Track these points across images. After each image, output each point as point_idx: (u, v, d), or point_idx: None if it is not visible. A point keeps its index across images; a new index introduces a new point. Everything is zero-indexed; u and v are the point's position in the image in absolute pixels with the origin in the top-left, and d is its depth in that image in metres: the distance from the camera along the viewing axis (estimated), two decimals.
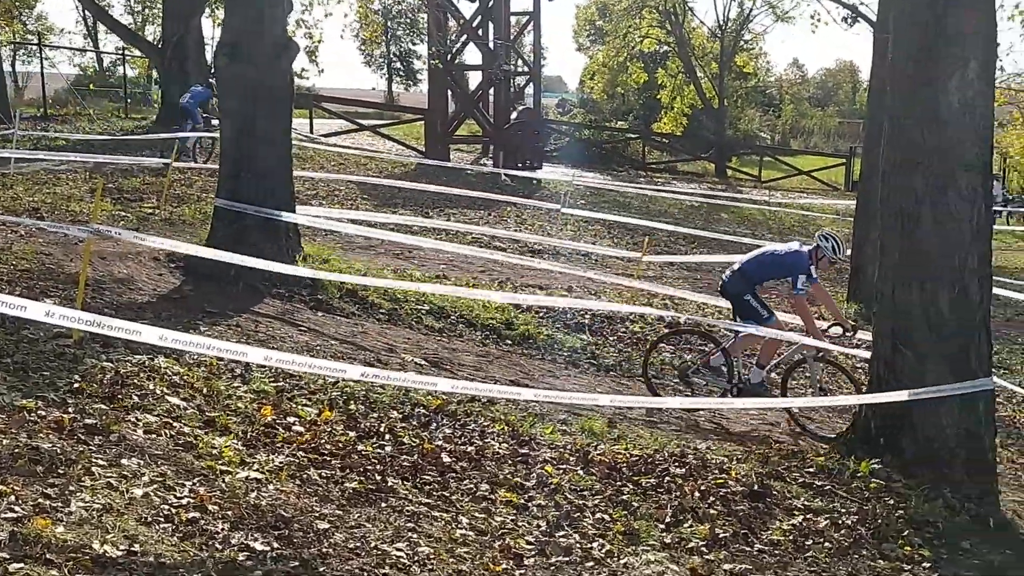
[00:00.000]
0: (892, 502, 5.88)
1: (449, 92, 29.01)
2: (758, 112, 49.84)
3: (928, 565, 5.35)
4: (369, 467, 5.28)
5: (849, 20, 21.30)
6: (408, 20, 63.73)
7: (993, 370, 6.76)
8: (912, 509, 5.80)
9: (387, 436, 5.86)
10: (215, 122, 20.32)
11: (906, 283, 6.36)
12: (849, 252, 14.57)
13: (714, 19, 38.31)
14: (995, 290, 16.87)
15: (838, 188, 33.50)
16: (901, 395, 6.25)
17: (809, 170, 35.43)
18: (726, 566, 4.90)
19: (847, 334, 8.48)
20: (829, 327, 8.47)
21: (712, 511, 5.51)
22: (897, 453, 6.42)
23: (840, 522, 5.60)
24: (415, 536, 4.56)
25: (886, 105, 6.60)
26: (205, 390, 6.01)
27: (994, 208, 29.26)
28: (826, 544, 5.34)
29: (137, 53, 33.96)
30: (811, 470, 6.36)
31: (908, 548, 5.44)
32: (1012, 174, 36.03)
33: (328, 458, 5.34)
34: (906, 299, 6.37)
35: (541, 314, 10.92)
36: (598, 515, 5.24)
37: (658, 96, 39.04)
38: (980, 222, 6.28)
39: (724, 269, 15.71)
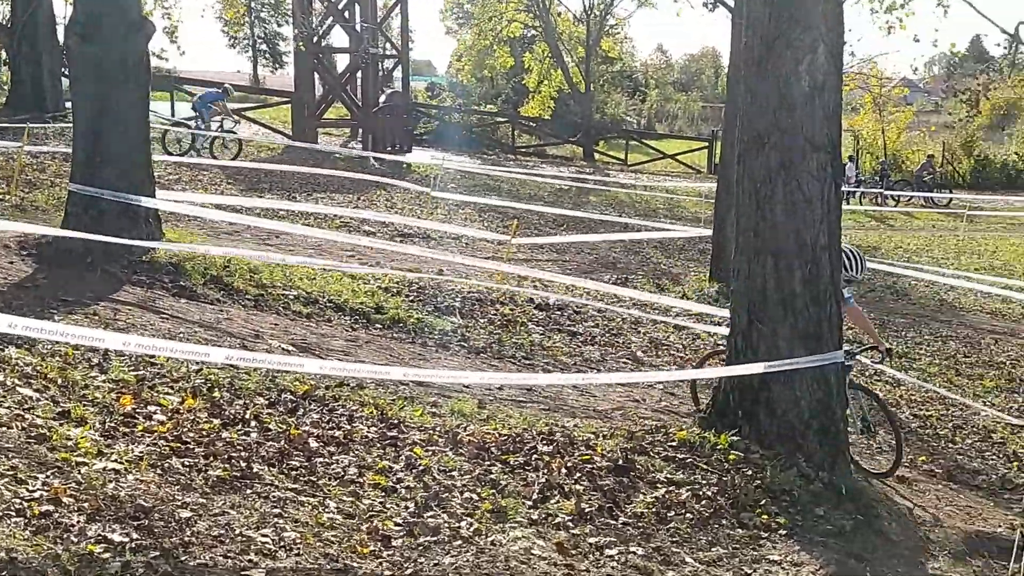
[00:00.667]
0: (750, 473, 6.09)
1: (316, 75, 28.59)
2: (624, 96, 50.69)
3: (784, 532, 5.58)
4: (234, 454, 5.20)
5: (709, 5, 21.78)
6: (272, 1, 62.52)
7: (845, 344, 7.06)
8: (769, 479, 6.02)
9: (253, 423, 5.78)
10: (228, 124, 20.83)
11: (761, 259, 6.57)
12: (711, 232, 15.00)
13: (579, 4, 38.64)
14: None
15: (701, 171, 34.39)
16: (756, 368, 6.47)
17: (674, 153, 36.25)
18: (591, 539, 5.00)
19: (884, 359, 8.09)
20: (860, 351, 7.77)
21: (578, 487, 5.62)
22: (755, 425, 6.64)
23: (701, 493, 5.78)
24: (281, 522, 4.52)
25: (740, 87, 6.80)
26: (60, 380, 5.81)
27: (848, 188, 30.47)
28: (688, 515, 5.51)
29: None
30: (674, 444, 6.52)
31: (765, 516, 5.66)
32: (865, 156, 37.55)
33: (191, 446, 5.24)
34: (760, 275, 6.59)
35: (411, 298, 10.91)
36: (466, 494, 5.29)
37: (525, 81, 39.31)
38: (830, 200, 6.54)
39: (592, 250, 16.03)
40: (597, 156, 36.82)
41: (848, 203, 29.54)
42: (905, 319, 15.38)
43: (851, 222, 26.91)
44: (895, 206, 31.10)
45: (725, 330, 8.96)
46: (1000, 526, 6.52)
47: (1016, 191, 36.27)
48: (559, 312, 11.48)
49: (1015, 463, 8.67)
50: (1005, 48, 49.52)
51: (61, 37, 24.69)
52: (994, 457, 8.83)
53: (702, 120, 52.18)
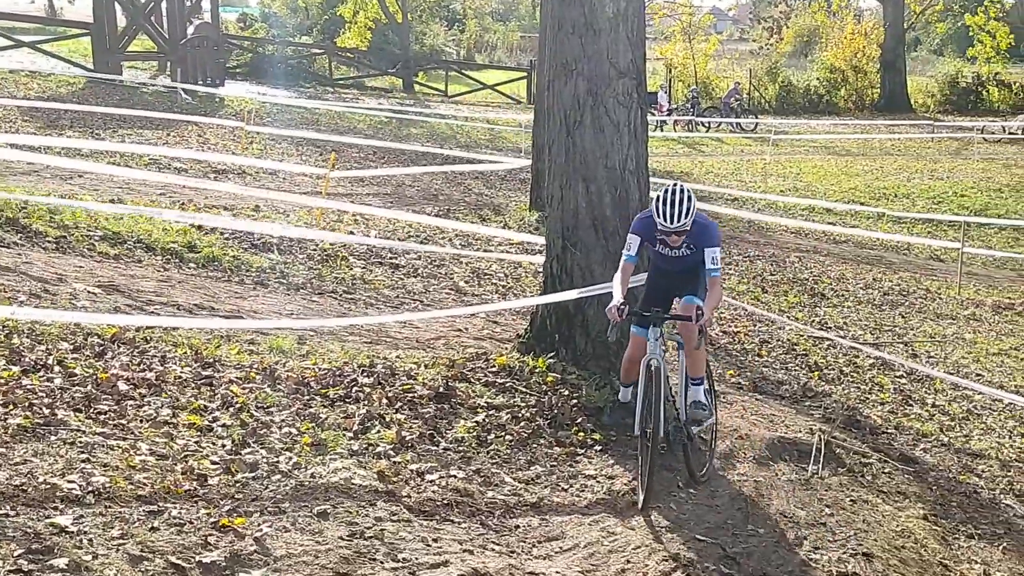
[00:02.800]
0: (567, 393, 6.27)
1: (117, 5, 27.11)
2: (443, 27, 50.21)
3: (599, 448, 5.79)
4: (36, 401, 4.98)
5: None
6: None
7: None
8: (584, 398, 6.21)
9: (56, 368, 5.54)
10: None
11: (572, 185, 6.69)
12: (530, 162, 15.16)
13: None
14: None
15: (521, 101, 34.57)
16: (571, 295, 6.63)
17: (494, 84, 36.30)
18: (412, 466, 5.06)
19: None
20: None
21: (400, 416, 5.66)
22: (571, 347, 6.82)
23: (520, 415, 5.92)
24: (89, 467, 4.37)
25: (546, 15, 6.84)
26: None
27: (661, 117, 31.22)
28: (507, 436, 5.63)
29: None
30: (494, 370, 6.64)
31: (581, 434, 5.85)
32: (676, 84, 38.53)
33: None
34: (573, 200, 6.71)
35: (227, 235, 10.61)
36: (285, 429, 5.25)
37: (340, 11, 38.41)
38: (637, 126, 6.69)
39: (414, 183, 15.91)
40: (417, 88, 36.49)
41: (662, 130, 30.36)
42: None
43: (664, 149, 27.70)
44: (706, 132, 32.13)
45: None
46: (801, 432, 6.92)
47: (818, 115, 38.07)
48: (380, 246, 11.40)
49: (816, 372, 9.22)
50: None
51: None
52: (797, 368, 9.36)
53: (521, 51, 52.31)
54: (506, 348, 7.54)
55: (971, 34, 44.61)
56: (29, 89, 21.66)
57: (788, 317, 11.34)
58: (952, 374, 9.86)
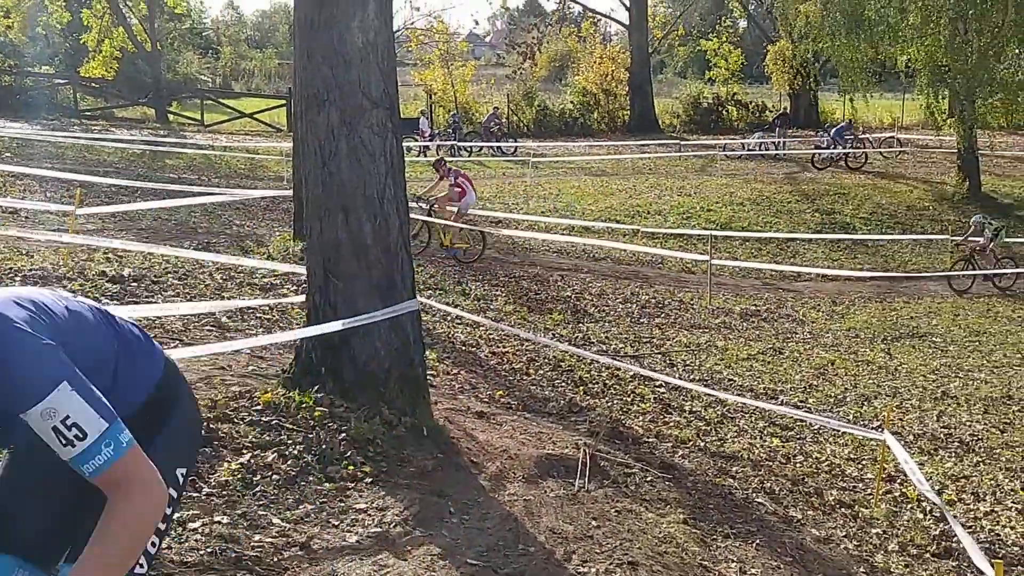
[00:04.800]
0: (335, 427, 6.18)
1: None
2: (197, 55, 48.85)
3: (370, 480, 5.73)
4: None
5: None
6: None
7: (429, 292, 7.34)
8: (353, 430, 6.14)
9: None
10: None
11: (331, 215, 6.63)
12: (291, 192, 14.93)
13: None
14: (427, 218, 18.20)
15: (281, 129, 34.04)
16: (334, 326, 6.55)
17: (252, 112, 35.59)
18: (174, 517, 4.83)
19: None
20: None
21: None
22: (339, 379, 6.74)
23: (287, 453, 5.78)
24: None
25: (295, 44, 6.77)
26: None
27: (423, 142, 31.48)
28: (274, 476, 5.48)
29: None
30: (259, 408, 6.45)
31: (351, 467, 5.77)
32: (438, 109, 39.00)
33: None
34: (332, 231, 6.65)
35: None
36: None
37: (84, 39, 36.62)
38: (393, 155, 6.71)
39: (170, 217, 15.42)
40: (172, 117, 35.28)
41: (425, 156, 30.65)
42: (482, 263, 16.27)
43: (429, 174, 27.93)
44: (468, 156, 32.68)
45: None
46: (567, 447, 7.11)
47: (574, 137, 39.51)
48: (135, 283, 10.89)
49: (581, 388, 9.52)
50: (556, 3, 53.45)
51: None
52: (564, 384, 9.64)
53: (279, 77, 51.62)
54: (272, 384, 7.35)
55: (708, 58, 47.62)
56: None
57: (553, 335, 11.66)
58: (706, 381, 10.43)
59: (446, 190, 16.95)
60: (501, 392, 8.88)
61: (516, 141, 35.02)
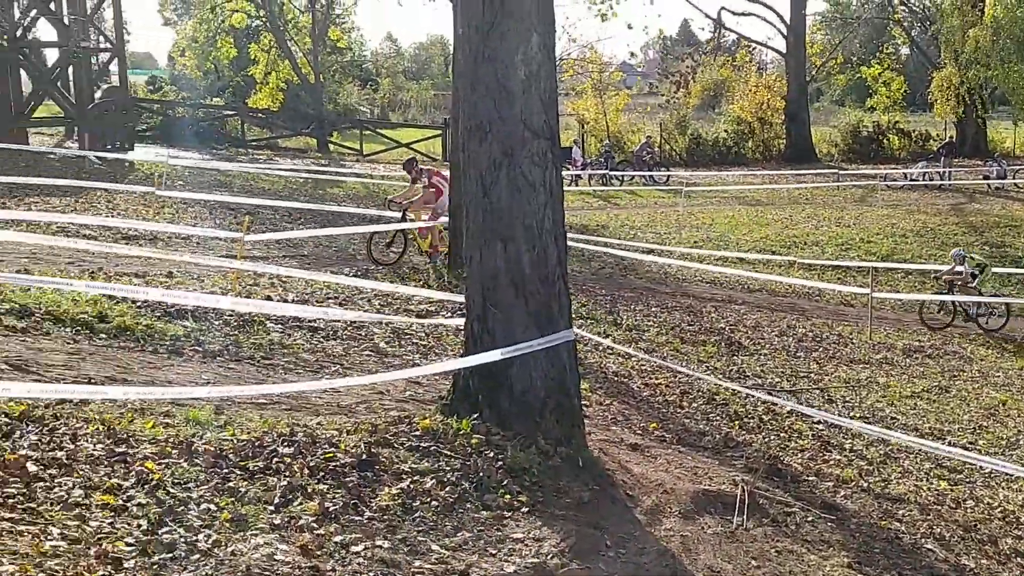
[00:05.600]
0: (492, 455, 6.22)
1: (23, 71, 26.69)
2: (356, 86, 50.44)
3: (527, 509, 5.74)
4: None
5: None
6: None
7: (580, 321, 7.34)
8: (510, 459, 6.16)
9: None
10: None
11: (490, 245, 6.71)
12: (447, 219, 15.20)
13: None
14: (582, 246, 18.32)
15: (436, 158, 34.70)
16: (494, 355, 6.61)
17: (408, 142, 36.45)
18: (337, 538, 4.95)
19: None
20: None
21: (322, 486, 5.54)
22: (495, 408, 6.79)
23: (445, 480, 5.84)
24: None
25: (458, 76, 6.89)
26: None
27: (575, 171, 31.63)
28: (433, 503, 5.55)
29: None
30: (417, 433, 6.55)
31: (508, 496, 5.79)
32: (590, 139, 39.12)
33: None
34: (491, 260, 6.72)
35: (138, 304, 10.38)
36: (204, 505, 5.09)
37: (251, 71, 38.32)
38: (552, 185, 6.75)
39: (331, 244, 15.87)
40: (332, 147, 36.48)
41: (577, 185, 30.77)
42: (633, 293, 16.17)
43: (580, 203, 28.03)
44: (620, 186, 32.62)
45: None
46: (724, 483, 6.97)
47: (727, 166, 38.96)
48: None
49: (736, 422, 9.32)
50: (710, 32, 52.99)
51: None
52: (718, 418, 9.46)
53: (435, 108, 52.76)
54: (429, 410, 7.46)
55: (868, 85, 46.26)
56: None
57: (707, 368, 11.47)
58: (867, 418, 10.07)
59: (420, 192, 16.04)
60: (655, 424, 8.78)
61: (668, 170, 34.79)
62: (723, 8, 51.00)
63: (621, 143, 39.25)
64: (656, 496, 6.42)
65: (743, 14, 46.29)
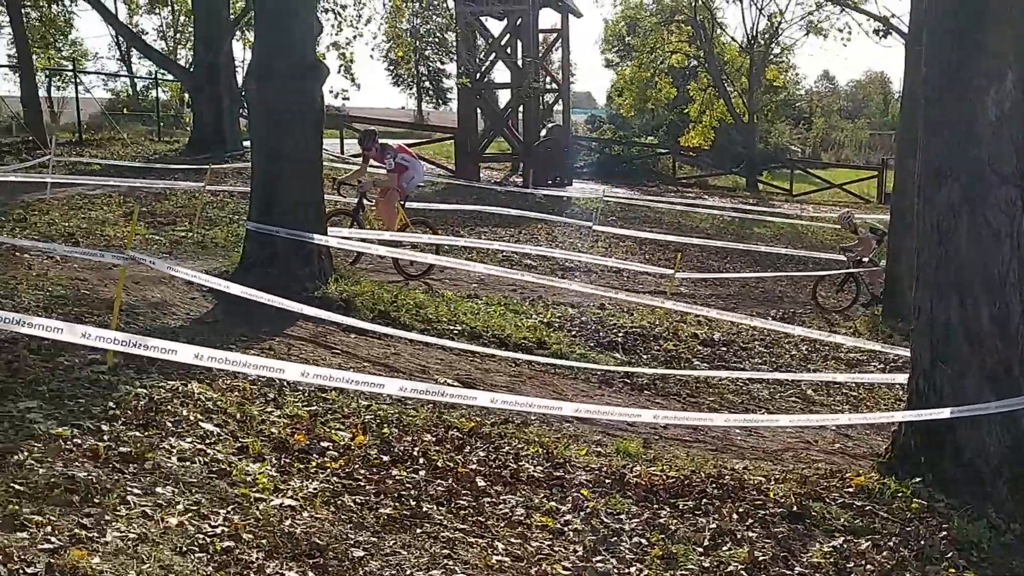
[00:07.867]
0: (934, 523, 5.77)
1: (478, 110, 29.14)
2: (788, 125, 49.67)
3: None
4: (403, 492, 5.24)
5: (881, 32, 21.18)
6: (437, 39, 64.11)
7: None
8: (955, 530, 5.68)
9: (421, 460, 5.83)
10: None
11: (944, 297, 6.27)
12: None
13: (743, 33, 38.05)
14: None
15: (870, 200, 33.21)
16: (942, 413, 6.15)
17: (841, 183, 35.22)
18: None
19: None
20: None
21: (751, 533, 5.43)
22: (938, 472, 6.31)
23: (882, 543, 5.49)
24: (451, 563, 4.51)
25: (919, 117, 6.52)
26: (238, 415, 6.01)
27: None
28: (868, 566, 5.23)
29: (169, 77, 34.33)
30: (850, 490, 6.24)
31: (953, 570, 5.33)
32: None
33: (362, 483, 5.31)
34: (944, 313, 6.28)
35: (573, 333, 10.87)
36: (635, 539, 5.17)
37: (686, 111, 38.98)
38: (1019, 235, 6.18)
39: (757, 284, 15.64)
40: (761, 186, 36.13)
41: None
42: None
43: None
44: None
45: (902, 374, 8.58)
46: None
47: None
48: (724, 348, 11.22)
49: None
50: None
51: (240, 80, 26.01)
52: None
53: (870, 148, 50.59)
54: (861, 466, 7.09)
55: None
56: None
57: None
58: None
59: (377, 172, 13.83)
60: None
61: None
62: None
63: None
64: None
65: None
